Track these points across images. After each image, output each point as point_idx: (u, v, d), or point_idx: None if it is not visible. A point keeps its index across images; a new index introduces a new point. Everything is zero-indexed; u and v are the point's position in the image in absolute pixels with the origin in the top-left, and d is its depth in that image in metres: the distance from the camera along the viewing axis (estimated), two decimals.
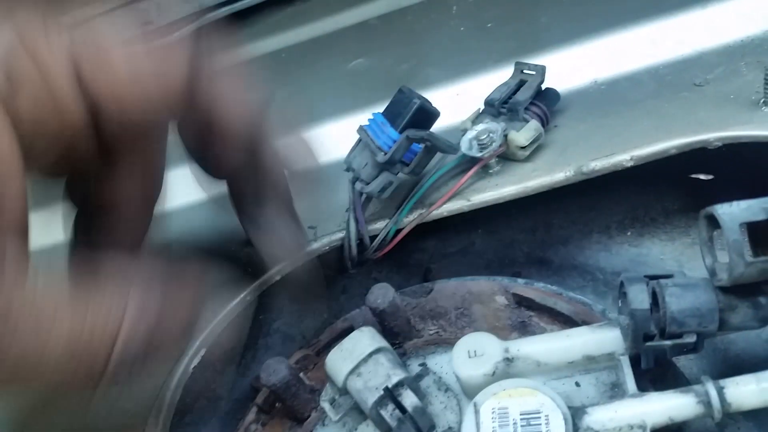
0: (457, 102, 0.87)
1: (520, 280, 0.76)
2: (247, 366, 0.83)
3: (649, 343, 0.53)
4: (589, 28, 0.90)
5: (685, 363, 0.67)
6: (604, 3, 0.94)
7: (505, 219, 0.86)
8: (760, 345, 0.67)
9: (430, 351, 0.70)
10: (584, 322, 0.66)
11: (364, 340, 0.63)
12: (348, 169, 0.76)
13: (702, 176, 0.80)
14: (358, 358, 0.61)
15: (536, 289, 0.73)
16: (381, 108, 0.79)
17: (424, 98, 0.73)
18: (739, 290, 0.52)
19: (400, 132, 0.72)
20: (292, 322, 0.89)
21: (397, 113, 0.73)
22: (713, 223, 0.52)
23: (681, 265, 0.77)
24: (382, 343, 0.63)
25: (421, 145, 0.73)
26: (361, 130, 0.75)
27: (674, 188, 0.82)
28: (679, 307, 0.52)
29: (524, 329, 0.70)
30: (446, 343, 0.70)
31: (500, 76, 0.82)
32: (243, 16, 1.36)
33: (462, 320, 0.74)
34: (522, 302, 0.72)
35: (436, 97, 0.80)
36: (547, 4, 0.99)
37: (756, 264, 0.48)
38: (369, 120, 0.75)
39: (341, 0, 1.29)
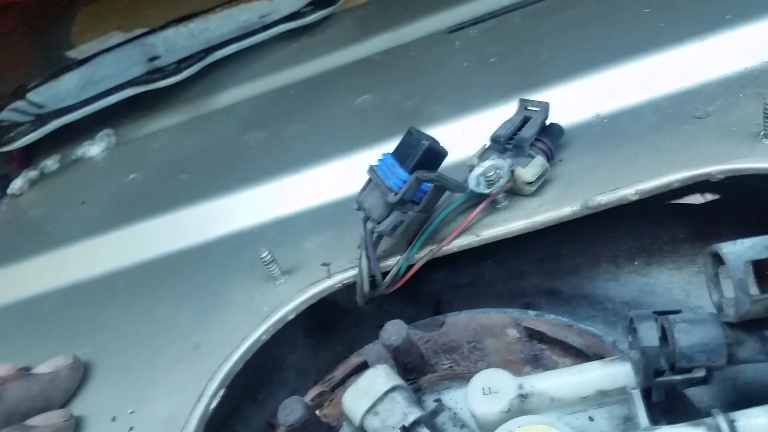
0: (463, 138, 0.89)
1: (531, 312, 0.77)
2: (263, 402, 0.84)
3: (659, 378, 0.54)
4: (590, 62, 0.92)
5: (695, 392, 0.68)
6: (604, 37, 0.96)
7: (514, 250, 0.87)
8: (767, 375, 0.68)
9: (445, 386, 0.71)
10: (596, 355, 0.67)
11: (379, 378, 0.64)
12: (359, 209, 0.77)
13: (702, 199, 0.82)
14: (374, 397, 0.62)
15: (547, 322, 0.74)
16: (388, 144, 0.81)
17: (432, 139, 0.75)
18: (746, 325, 0.53)
19: (410, 172, 0.73)
20: (306, 356, 0.91)
21: (406, 154, 0.75)
22: (718, 259, 0.53)
23: (689, 294, 0.78)
24: (398, 380, 0.64)
25: (431, 185, 0.75)
26: (372, 170, 0.77)
27: (680, 217, 0.83)
28: (688, 342, 0.53)
29: (537, 363, 0.71)
30: (460, 378, 0.71)
31: (504, 111, 0.84)
32: (250, 53, 1.40)
33: (475, 354, 0.75)
34: (534, 335, 0.73)
35: (441, 132, 0.83)
36: (548, 39, 1.01)
37: (762, 301, 0.50)
38: (379, 160, 0.77)
39: (345, 36, 1.32)
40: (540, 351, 0.72)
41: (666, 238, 0.82)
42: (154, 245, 1.00)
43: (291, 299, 0.78)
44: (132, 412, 0.76)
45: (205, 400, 0.73)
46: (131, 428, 0.74)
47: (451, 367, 0.74)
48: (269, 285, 0.82)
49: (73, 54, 1.75)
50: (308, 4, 1.45)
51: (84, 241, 1.09)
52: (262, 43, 1.39)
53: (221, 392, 0.73)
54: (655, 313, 0.56)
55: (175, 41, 1.60)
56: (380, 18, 1.32)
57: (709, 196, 0.82)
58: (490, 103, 0.94)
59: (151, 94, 1.36)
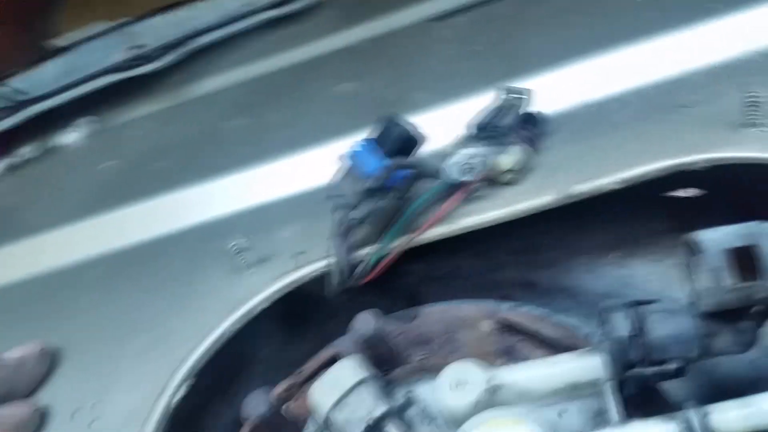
0: (445, 125, 0.86)
1: (506, 304, 0.75)
2: (234, 395, 0.82)
3: (631, 371, 0.52)
4: (577, 50, 0.90)
5: (672, 385, 0.66)
6: (591, 25, 0.95)
7: (492, 241, 0.85)
8: (744, 366, 0.66)
9: (417, 378, 0.69)
10: (570, 347, 0.65)
11: (347, 371, 0.62)
12: (332, 196, 0.75)
13: (684, 193, 0.80)
14: (341, 390, 0.61)
15: (522, 314, 0.72)
16: (368, 133, 0.79)
17: (409, 124, 0.73)
18: (722, 316, 0.51)
19: (387, 158, 0.71)
20: (279, 349, 0.89)
21: (382, 140, 0.73)
22: (696, 248, 0.51)
23: (667, 286, 0.77)
24: (367, 373, 0.62)
25: (407, 172, 0.73)
26: (348, 156, 0.75)
27: (660, 209, 0.81)
28: (661, 333, 0.51)
29: (511, 355, 0.69)
30: (433, 370, 0.69)
31: (489, 99, 0.82)
32: (234, 40, 1.37)
33: (448, 346, 0.73)
34: (507, 328, 0.71)
35: (424, 120, 0.81)
36: (536, 27, 0.99)
37: (737, 290, 0.48)
38: (355, 146, 0.75)
39: (331, 23, 1.30)
40: (513, 343, 0.70)
41: (645, 231, 0.80)
42: (128, 234, 0.98)
43: (261, 290, 0.76)
44: (95, 404, 0.74)
45: (168, 394, 0.71)
46: (93, 421, 0.72)
47: (423, 359, 0.73)
48: (240, 275, 0.80)
49: (60, 42, 1.73)
50: None
51: (59, 229, 1.07)
52: (246, 30, 1.36)
53: (185, 386, 0.71)
54: (628, 303, 0.54)
55: (161, 29, 1.57)
56: (367, 5, 1.30)
57: (690, 189, 0.80)
58: (476, 91, 0.91)
59: (134, 80, 1.34)
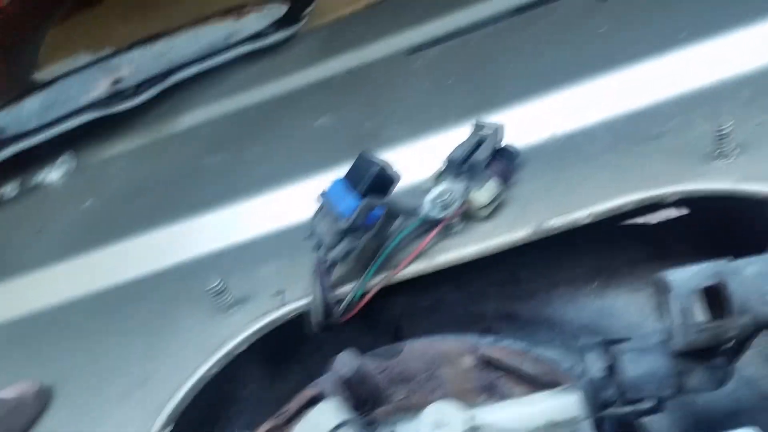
0: (420, 159, 0.87)
1: (488, 338, 0.75)
2: None
3: (608, 410, 0.53)
4: (547, 82, 0.91)
5: (652, 419, 0.66)
6: (561, 57, 0.96)
7: (474, 274, 0.85)
8: (724, 398, 0.67)
9: (399, 418, 0.69)
10: (550, 383, 0.65)
11: (327, 414, 0.62)
12: (311, 235, 0.75)
13: (659, 219, 0.81)
14: None
15: (503, 349, 0.72)
16: (346, 168, 0.79)
17: (384, 162, 0.74)
18: (695, 353, 0.52)
19: (361, 198, 0.72)
20: (263, 387, 0.89)
21: (357, 179, 0.73)
22: (665, 288, 0.52)
23: (646, 316, 0.77)
24: (347, 416, 0.62)
25: (383, 210, 0.73)
26: (322, 196, 0.75)
27: (637, 239, 0.82)
28: (635, 373, 0.52)
29: (492, 391, 0.69)
30: (415, 409, 0.69)
31: (462, 132, 0.83)
32: (212, 74, 1.38)
33: (430, 383, 0.73)
34: (489, 363, 0.71)
35: (399, 155, 0.81)
36: (506, 59, 1.01)
37: (708, 329, 0.48)
38: (329, 185, 0.75)
39: (308, 56, 1.31)
40: (495, 379, 0.70)
41: (623, 260, 0.81)
42: (108, 274, 0.98)
43: (241, 331, 0.76)
44: None
45: None
46: None
47: (406, 398, 0.72)
48: (220, 316, 0.80)
49: (40, 75, 1.73)
50: (271, 24, 1.43)
51: (39, 270, 1.07)
52: (224, 64, 1.37)
53: (168, 430, 0.71)
54: (603, 341, 0.55)
55: (140, 62, 1.58)
56: (343, 38, 1.31)
57: (666, 216, 0.81)
58: (448, 124, 0.93)
59: (114, 117, 1.35)
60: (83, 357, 0.88)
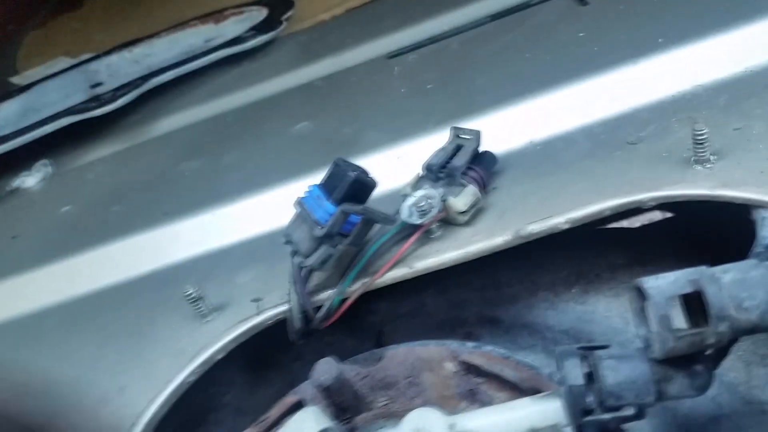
0: (399, 165, 0.87)
1: (469, 344, 0.75)
2: None
3: (588, 418, 0.53)
4: (525, 88, 0.91)
5: (635, 426, 0.66)
6: (539, 62, 0.96)
7: (455, 279, 0.86)
8: (706, 403, 0.67)
9: (380, 425, 0.69)
10: (532, 389, 0.65)
11: (308, 421, 0.62)
12: (288, 242, 0.75)
13: (639, 223, 0.81)
14: None
15: (484, 354, 0.72)
16: (324, 174, 0.79)
17: (360, 170, 0.73)
18: (675, 360, 0.52)
19: (337, 205, 0.71)
20: (243, 395, 0.88)
21: (333, 186, 0.73)
22: (642, 294, 0.52)
23: (627, 321, 0.77)
24: (326, 423, 0.62)
25: (359, 217, 0.73)
26: (299, 203, 0.75)
27: (618, 243, 0.83)
28: (615, 380, 0.52)
29: (473, 398, 0.69)
30: (396, 416, 0.68)
31: (440, 138, 0.83)
32: (190, 79, 1.37)
33: (412, 390, 0.73)
34: (470, 369, 0.71)
35: (377, 161, 0.81)
36: (485, 65, 1.01)
37: (686, 337, 0.49)
38: (306, 192, 0.75)
39: (287, 61, 1.30)
40: (476, 385, 0.70)
41: (604, 265, 0.81)
42: (83, 282, 0.96)
43: (219, 338, 0.75)
44: None
45: None
46: None
47: (387, 404, 0.72)
48: (196, 323, 0.79)
49: (18, 80, 1.71)
50: (251, 29, 1.43)
51: (13, 277, 1.05)
52: (203, 68, 1.36)
53: None
54: (581, 348, 0.55)
55: (119, 67, 1.57)
56: (322, 43, 1.31)
57: (650, 219, 0.81)
58: (427, 130, 0.92)
59: (91, 122, 1.33)
60: (59, 365, 0.86)
